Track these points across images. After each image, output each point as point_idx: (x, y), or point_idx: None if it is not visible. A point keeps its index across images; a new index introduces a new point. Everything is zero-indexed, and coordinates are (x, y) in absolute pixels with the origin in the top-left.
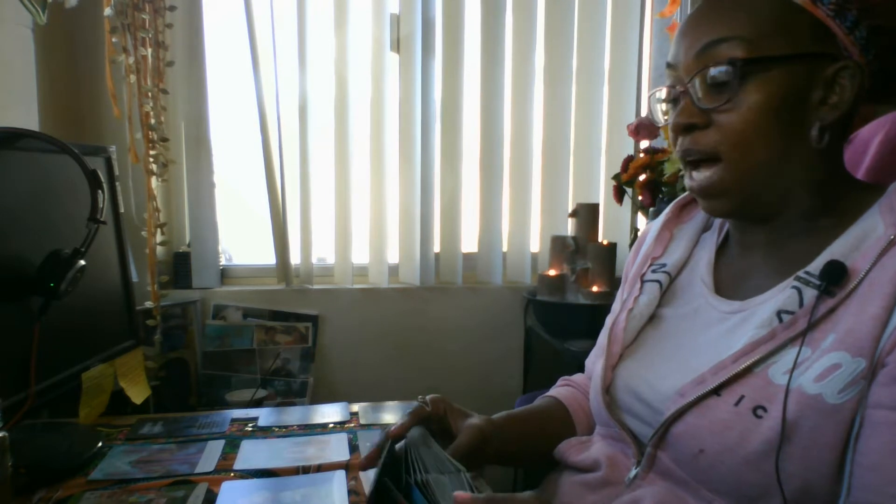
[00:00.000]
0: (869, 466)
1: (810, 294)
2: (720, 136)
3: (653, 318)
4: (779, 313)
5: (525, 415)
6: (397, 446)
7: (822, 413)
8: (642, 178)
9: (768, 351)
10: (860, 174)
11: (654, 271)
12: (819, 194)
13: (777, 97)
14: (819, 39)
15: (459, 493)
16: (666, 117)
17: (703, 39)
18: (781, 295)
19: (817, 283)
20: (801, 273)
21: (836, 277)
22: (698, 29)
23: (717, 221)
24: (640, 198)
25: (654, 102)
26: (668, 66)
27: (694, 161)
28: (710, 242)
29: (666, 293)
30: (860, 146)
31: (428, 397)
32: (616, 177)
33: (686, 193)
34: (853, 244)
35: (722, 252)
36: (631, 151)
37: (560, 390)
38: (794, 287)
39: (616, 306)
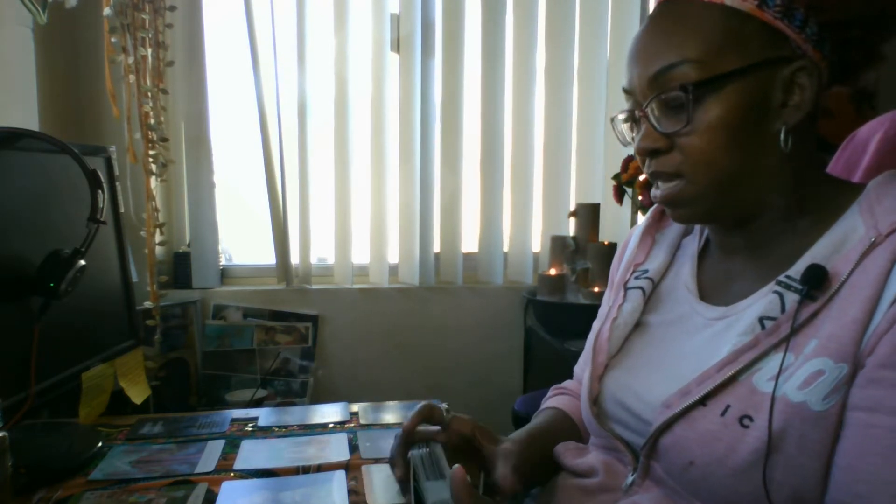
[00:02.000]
0: (843, 467)
1: (792, 299)
2: (683, 157)
3: (638, 326)
4: (761, 319)
5: (543, 432)
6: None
7: (808, 421)
8: (642, 178)
9: (752, 358)
10: (859, 174)
11: (636, 278)
12: (792, 195)
13: (735, 111)
14: (770, 43)
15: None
16: (632, 136)
17: (654, 66)
18: (763, 300)
19: (798, 287)
20: (781, 277)
21: (817, 281)
22: (647, 54)
23: (698, 226)
24: (639, 198)
25: (618, 124)
26: (625, 90)
27: (659, 175)
28: (692, 247)
29: (650, 300)
30: (859, 146)
31: (455, 416)
32: (616, 177)
33: None
34: (834, 246)
35: (703, 256)
36: (630, 152)
37: (559, 400)
38: (775, 292)
39: (602, 311)
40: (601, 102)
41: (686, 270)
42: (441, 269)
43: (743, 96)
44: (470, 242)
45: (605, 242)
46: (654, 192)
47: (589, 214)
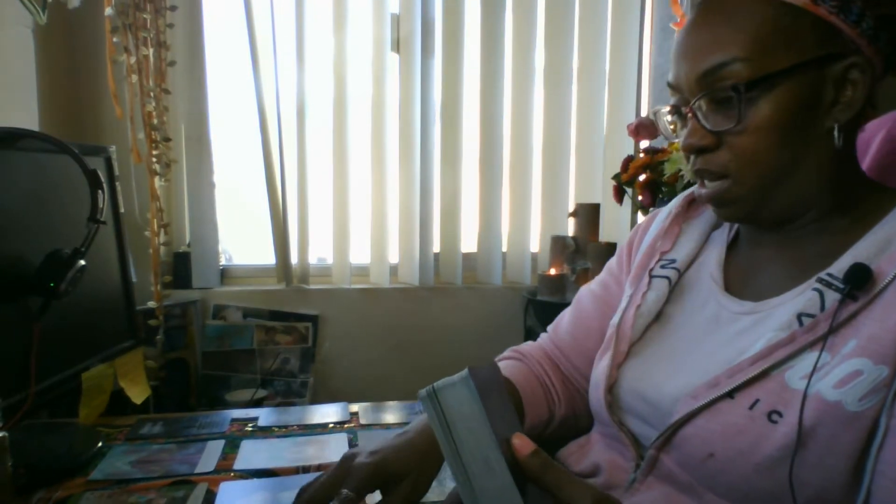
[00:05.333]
0: (894, 478)
1: (832, 297)
2: (731, 156)
3: (659, 316)
4: (799, 316)
5: None
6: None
7: (841, 421)
8: (642, 178)
9: (786, 355)
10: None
11: (662, 267)
12: (833, 194)
13: (786, 111)
14: (823, 40)
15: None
16: (674, 131)
17: (703, 64)
18: (801, 297)
19: (840, 286)
20: (822, 275)
21: (860, 281)
22: (696, 51)
23: None
24: (640, 198)
25: (661, 117)
26: (670, 85)
27: (704, 173)
28: (721, 240)
29: (673, 290)
30: (862, 144)
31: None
32: (616, 177)
33: (694, 187)
34: (879, 247)
35: (732, 249)
36: (631, 151)
37: (512, 369)
38: (815, 289)
39: (605, 276)
40: (601, 102)
41: (713, 261)
42: (441, 270)
43: (795, 95)
44: (469, 242)
45: (605, 242)
46: (700, 191)
47: (589, 214)
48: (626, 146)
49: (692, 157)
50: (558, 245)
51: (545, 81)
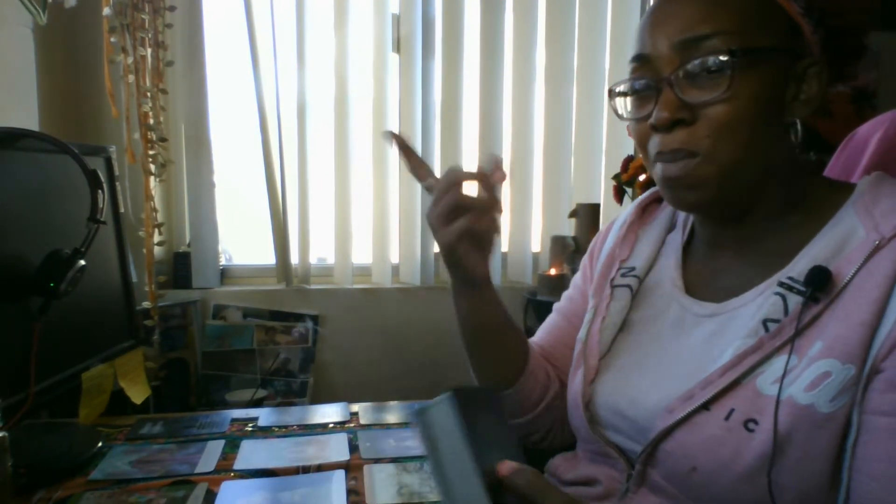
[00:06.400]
0: (872, 475)
1: (795, 301)
2: (709, 131)
3: (624, 325)
4: (764, 322)
5: (505, 310)
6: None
7: (815, 423)
8: (642, 177)
9: (756, 361)
10: (858, 173)
11: (623, 275)
12: (784, 188)
13: (766, 90)
14: (790, 36)
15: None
16: (629, 109)
17: (686, 33)
18: (764, 301)
19: (802, 289)
20: (783, 278)
21: (821, 283)
22: (676, 21)
23: (681, 219)
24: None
25: (614, 97)
26: (639, 58)
27: (675, 153)
28: (677, 242)
29: (635, 297)
30: (858, 146)
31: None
32: (616, 177)
33: (647, 194)
34: (835, 247)
35: (688, 251)
36: (630, 151)
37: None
38: (777, 293)
39: (572, 292)
40: (601, 102)
41: (671, 264)
42: (441, 270)
43: (771, 77)
44: None
45: None
46: (660, 172)
47: (589, 214)
48: (628, 146)
49: (656, 138)
50: (558, 245)
51: (545, 81)
